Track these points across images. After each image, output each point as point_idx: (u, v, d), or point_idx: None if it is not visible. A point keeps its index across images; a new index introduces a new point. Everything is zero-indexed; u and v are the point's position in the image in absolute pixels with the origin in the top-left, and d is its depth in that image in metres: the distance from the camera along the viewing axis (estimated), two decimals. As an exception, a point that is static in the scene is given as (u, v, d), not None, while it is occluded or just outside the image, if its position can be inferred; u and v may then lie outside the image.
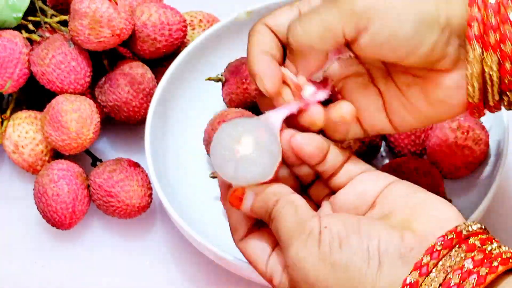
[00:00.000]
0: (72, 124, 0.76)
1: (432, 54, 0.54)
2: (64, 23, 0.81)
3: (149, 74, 0.81)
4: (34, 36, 0.81)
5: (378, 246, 0.51)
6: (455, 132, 0.73)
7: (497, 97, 0.55)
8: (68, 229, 0.77)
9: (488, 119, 0.75)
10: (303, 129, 0.57)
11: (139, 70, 0.80)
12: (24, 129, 0.80)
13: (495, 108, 0.57)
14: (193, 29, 0.85)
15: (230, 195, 0.56)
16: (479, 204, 0.70)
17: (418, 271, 0.49)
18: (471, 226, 0.51)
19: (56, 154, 0.81)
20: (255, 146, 0.56)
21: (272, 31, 0.58)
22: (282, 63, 0.58)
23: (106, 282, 0.78)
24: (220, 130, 0.56)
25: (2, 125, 0.81)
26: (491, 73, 0.54)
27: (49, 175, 0.77)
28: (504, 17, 0.53)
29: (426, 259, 0.50)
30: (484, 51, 0.54)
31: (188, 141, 0.81)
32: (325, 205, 0.58)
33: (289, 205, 0.54)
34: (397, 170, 0.72)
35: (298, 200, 0.54)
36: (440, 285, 0.49)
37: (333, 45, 0.55)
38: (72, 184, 0.77)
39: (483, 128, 0.74)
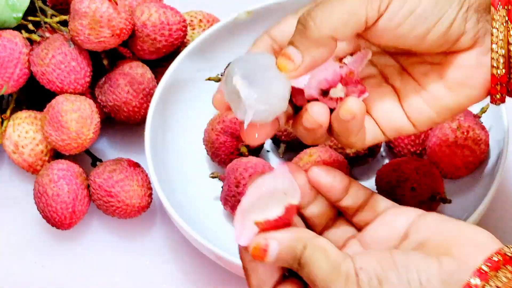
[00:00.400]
0: (72, 124, 0.76)
1: (451, 32, 0.54)
2: (64, 23, 0.81)
3: (149, 74, 0.81)
4: (34, 36, 0.81)
5: (418, 278, 0.50)
6: (455, 132, 0.73)
7: None
8: (68, 229, 0.77)
9: (488, 119, 0.75)
10: (308, 132, 0.56)
11: (139, 70, 0.80)
12: (24, 129, 0.80)
13: None
14: (193, 29, 0.85)
15: (253, 248, 0.54)
16: (479, 204, 0.70)
17: None
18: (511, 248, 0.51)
19: (56, 154, 0.81)
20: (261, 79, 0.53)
21: (272, 38, 0.57)
22: None
23: (106, 282, 0.78)
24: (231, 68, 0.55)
25: (2, 125, 0.81)
26: None
27: (49, 175, 0.77)
28: None
29: (474, 281, 0.49)
30: (509, 23, 0.54)
31: (188, 141, 0.81)
32: (353, 244, 0.57)
33: (318, 250, 0.52)
34: (397, 170, 0.72)
35: (326, 243, 0.53)
36: None
37: (354, 31, 0.54)
38: (72, 184, 0.77)
39: (483, 128, 0.74)
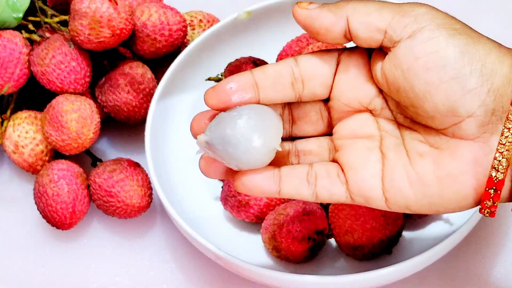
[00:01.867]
0: (72, 124, 0.76)
1: (461, 102, 0.52)
2: (64, 23, 0.81)
3: (149, 74, 0.81)
4: (34, 36, 0.81)
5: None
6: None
7: None
8: (68, 229, 0.77)
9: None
10: None
11: (139, 70, 0.80)
12: (24, 129, 0.80)
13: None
14: (193, 29, 0.85)
15: None
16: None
17: None
18: None
19: (56, 154, 0.81)
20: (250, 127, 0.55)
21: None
22: None
23: (106, 282, 0.78)
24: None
25: (2, 125, 0.81)
26: None
27: (49, 175, 0.77)
28: None
29: None
30: None
31: (188, 141, 0.81)
32: None
33: None
34: None
35: None
36: None
37: (373, 41, 0.54)
38: (72, 184, 0.77)
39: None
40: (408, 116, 0.55)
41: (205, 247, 0.70)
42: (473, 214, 0.69)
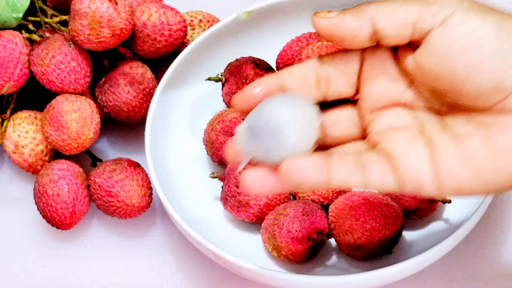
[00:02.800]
0: (72, 124, 0.76)
1: (506, 76, 0.51)
2: (64, 23, 0.81)
3: (149, 74, 0.81)
4: (34, 36, 0.81)
5: None
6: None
7: None
8: (68, 229, 0.77)
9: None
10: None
11: (139, 70, 0.80)
12: (24, 129, 0.80)
13: None
14: (193, 29, 0.85)
15: None
16: (480, 204, 0.70)
17: None
18: None
19: (56, 154, 0.81)
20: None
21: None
22: None
23: (106, 282, 0.78)
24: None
25: (2, 125, 0.81)
26: None
27: (49, 175, 0.77)
28: None
29: None
30: None
31: (188, 141, 0.81)
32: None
33: None
34: None
35: None
36: None
37: (402, 37, 0.54)
38: (72, 184, 0.77)
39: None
40: (446, 102, 0.55)
41: (205, 247, 0.70)
42: (473, 214, 0.69)
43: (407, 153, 0.54)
